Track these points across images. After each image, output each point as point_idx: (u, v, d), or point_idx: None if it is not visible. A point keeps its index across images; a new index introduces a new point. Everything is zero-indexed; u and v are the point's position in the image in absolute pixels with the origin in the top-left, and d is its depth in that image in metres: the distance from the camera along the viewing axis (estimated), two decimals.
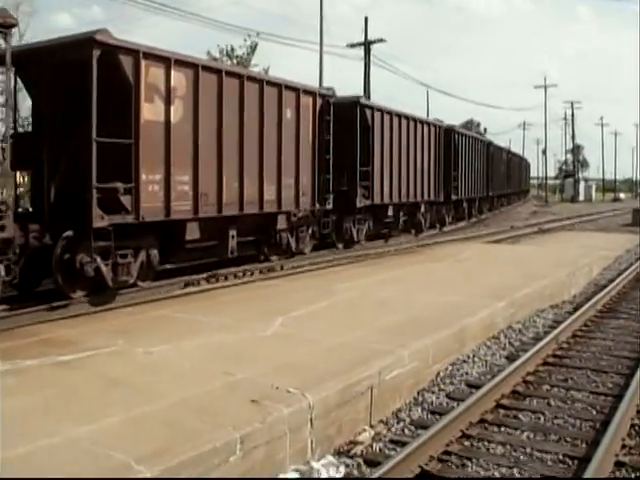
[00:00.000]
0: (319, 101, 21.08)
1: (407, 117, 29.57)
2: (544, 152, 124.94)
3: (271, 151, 18.57)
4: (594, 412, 9.22)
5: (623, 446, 7.94)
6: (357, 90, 47.09)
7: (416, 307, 13.18)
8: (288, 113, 19.33)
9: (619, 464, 7.48)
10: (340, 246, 24.92)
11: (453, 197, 38.24)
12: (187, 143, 15.29)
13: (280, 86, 18.92)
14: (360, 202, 25.04)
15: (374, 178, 26.06)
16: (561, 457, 7.74)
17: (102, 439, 6.35)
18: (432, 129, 32.80)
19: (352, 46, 51.26)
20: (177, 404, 7.40)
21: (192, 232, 15.95)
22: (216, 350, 9.82)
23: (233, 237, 17.66)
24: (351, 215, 25.15)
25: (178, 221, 15.39)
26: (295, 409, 7.43)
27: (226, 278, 17.51)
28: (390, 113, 27.79)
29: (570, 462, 7.62)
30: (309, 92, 20.72)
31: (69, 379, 8.34)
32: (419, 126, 30.85)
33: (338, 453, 7.86)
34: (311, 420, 7.61)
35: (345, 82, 53.55)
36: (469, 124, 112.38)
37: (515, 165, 70.96)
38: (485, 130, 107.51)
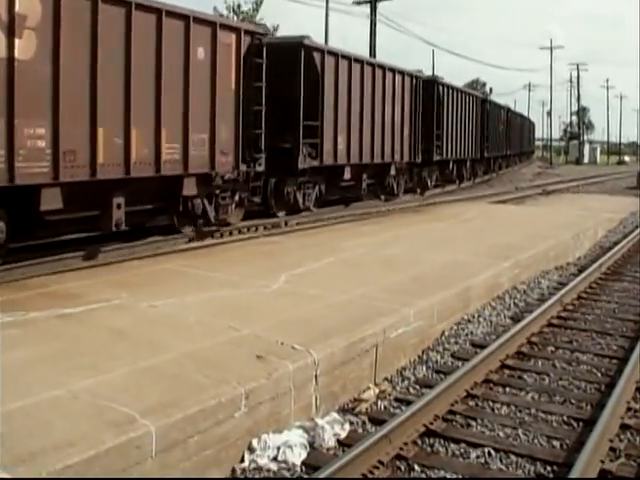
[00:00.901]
0: (246, 40, 17.22)
1: (372, 64, 26.24)
2: (549, 114, 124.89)
3: (174, 99, 14.91)
4: (599, 374, 9.20)
5: (628, 409, 7.91)
6: (363, 48, 46.88)
7: (421, 266, 13.14)
8: (200, 52, 15.59)
9: (624, 427, 7.45)
10: (281, 214, 21.71)
11: (436, 157, 33.88)
12: (42, 85, 12.00)
13: (188, 18, 15.11)
14: (304, 163, 21.66)
15: (324, 135, 22.36)
16: (566, 419, 7.73)
17: (106, 392, 6.32)
18: (407, 80, 29.12)
19: (358, 3, 50.77)
20: (182, 358, 7.37)
21: (50, 201, 12.42)
22: (221, 305, 9.79)
23: (119, 206, 13.98)
24: (293, 178, 21.91)
25: (28, 187, 12.09)
26: (300, 365, 7.40)
27: (230, 233, 17.49)
28: (349, 58, 23.85)
29: (575, 424, 7.60)
30: (230, 28, 17.11)
31: (73, 332, 8.30)
32: (389, 75, 27.20)
33: (343, 410, 7.83)
34: (316, 377, 7.58)
35: (352, 40, 53.06)
36: (475, 84, 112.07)
37: (517, 125, 66.41)
38: (491, 90, 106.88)
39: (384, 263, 13.33)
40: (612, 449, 6.92)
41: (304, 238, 16.87)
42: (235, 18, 50.27)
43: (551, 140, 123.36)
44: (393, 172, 28.71)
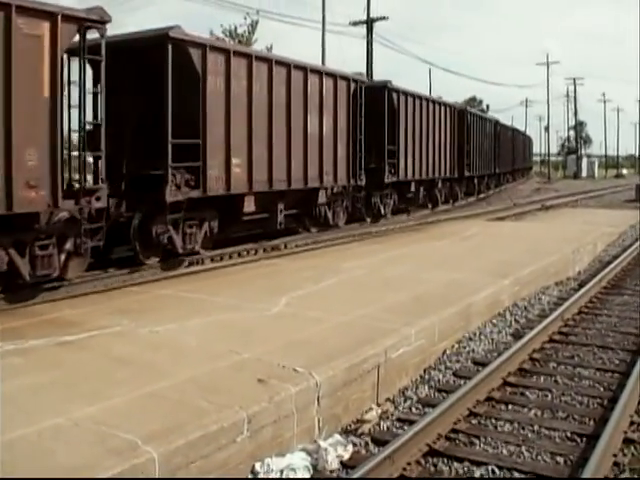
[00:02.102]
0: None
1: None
2: (546, 129, 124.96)
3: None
4: (601, 389, 9.21)
5: (631, 423, 7.91)
6: (359, 67, 47.00)
7: (421, 285, 13.14)
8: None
9: (627, 441, 7.45)
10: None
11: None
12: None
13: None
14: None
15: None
16: (569, 435, 7.73)
17: (108, 419, 6.32)
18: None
19: (355, 24, 50.98)
20: (184, 383, 7.37)
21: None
22: (222, 329, 9.79)
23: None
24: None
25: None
26: (302, 388, 7.40)
27: (230, 257, 17.48)
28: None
29: (579, 439, 7.60)
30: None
31: (75, 359, 8.31)
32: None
33: (345, 432, 7.84)
34: (318, 399, 7.59)
35: (348, 60, 53.33)
36: (472, 101, 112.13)
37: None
38: (487, 107, 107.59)
39: (384, 283, 13.33)
40: (616, 464, 6.92)
41: (304, 260, 16.88)
42: (231, 41, 50.32)
43: (549, 155, 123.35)
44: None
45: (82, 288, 13.10)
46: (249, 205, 18.03)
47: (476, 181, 43.99)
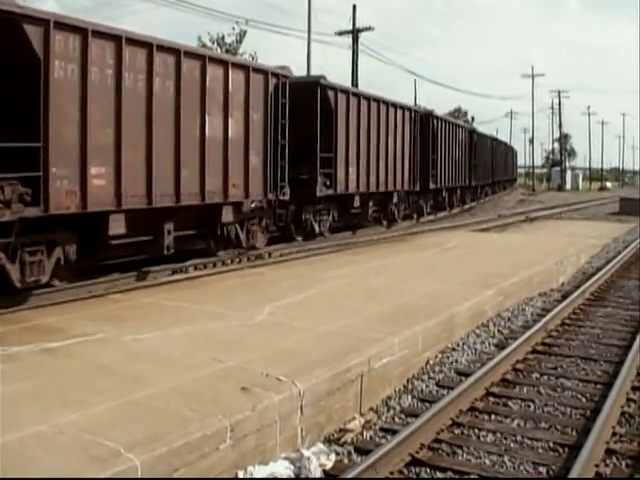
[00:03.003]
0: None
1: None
2: (531, 141, 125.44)
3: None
4: (584, 400, 9.23)
5: (614, 434, 7.93)
6: (345, 78, 47.10)
7: (405, 295, 13.16)
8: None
9: (610, 452, 7.48)
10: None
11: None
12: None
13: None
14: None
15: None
16: (552, 445, 7.74)
17: (91, 426, 6.30)
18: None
19: (340, 34, 51.22)
20: (167, 391, 7.35)
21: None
22: (205, 338, 9.77)
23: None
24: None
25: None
26: (285, 397, 7.40)
27: (214, 265, 17.49)
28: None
29: (561, 450, 7.62)
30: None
31: (58, 366, 8.28)
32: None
33: (328, 441, 7.83)
34: (301, 408, 7.58)
35: (333, 70, 53.46)
36: (457, 112, 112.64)
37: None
38: (472, 119, 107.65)
39: (368, 293, 13.34)
40: (598, 474, 6.94)
41: (288, 269, 16.88)
42: (219, 50, 50.38)
43: (533, 167, 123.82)
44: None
45: (65, 295, 13.07)
46: (117, 226, 14.17)
47: (445, 194, 40.44)
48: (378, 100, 28.11)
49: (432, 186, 36.05)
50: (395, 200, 30.88)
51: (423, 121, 34.19)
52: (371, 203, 28.30)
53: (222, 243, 18.65)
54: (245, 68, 18.08)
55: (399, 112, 30.31)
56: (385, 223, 30.72)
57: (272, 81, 19.04)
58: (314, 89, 23.36)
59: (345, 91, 25.56)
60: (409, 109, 32.11)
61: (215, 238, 18.26)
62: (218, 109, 16.96)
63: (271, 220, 21.02)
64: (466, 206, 46.80)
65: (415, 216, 35.48)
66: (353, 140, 25.70)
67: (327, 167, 23.97)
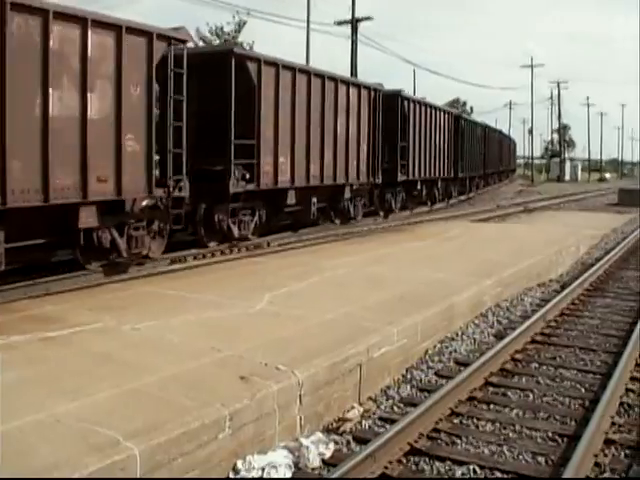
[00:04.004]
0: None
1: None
2: (530, 132, 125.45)
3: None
4: (583, 390, 9.23)
5: (612, 424, 7.93)
6: (344, 67, 47.01)
7: (405, 284, 13.14)
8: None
9: (608, 442, 7.47)
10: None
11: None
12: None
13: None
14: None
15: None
16: (550, 435, 7.75)
17: (90, 415, 6.29)
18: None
19: (339, 24, 50.96)
20: (165, 380, 7.34)
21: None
22: (204, 327, 9.75)
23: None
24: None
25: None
26: (284, 386, 7.39)
27: (213, 255, 17.47)
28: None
29: (560, 440, 7.62)
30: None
31: (57, 355, 8.26)
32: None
33: (327, 430, 7.82)
34: (300, 397, 7.57)
35: (332, 60, 53.45)
36: (455, 103, 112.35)
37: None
38: (472, 109, 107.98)
39: (367, 282, 13.33)
40: (597, 464, 6.94)
41: (287, 258, 16.86)
42: (218, 40, 50.38)
43: (532, 158, 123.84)
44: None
45: (63, 284, 13.06)
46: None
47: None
48: (322, 75, 23.24)
49: (401, 178, 31.44)
50: (347, 195, 25.87)
51: (389, 102, 29.33)
52: (315, 199, 23.40)
53: (89, 254, 14.48)
54: (115, 29, 13.90)
55: (353, 90, 25.41)
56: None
57: (159, 46, 15.14)
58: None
59: (273, 63, 20.41)
60: (368, 87, 26.84)
61: (79, 247, 14.03)
62: (72, 81, 13.07)
63: (166, 223, 16.18)
64: (452, 200, 43.34)
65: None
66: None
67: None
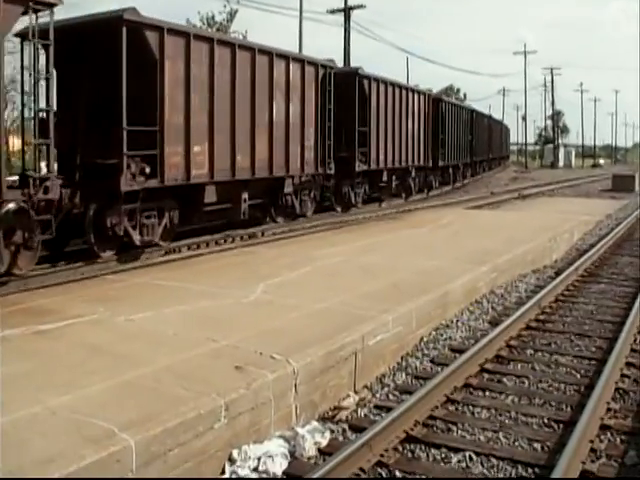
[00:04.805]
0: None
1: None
2: (524, 118, 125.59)
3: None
4: (578, 376, 9.24)
5: (608, 409, 7.94)
6: (337, 56, 46.92)
7: (399, 272, 13.14)
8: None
9: (604, 427, 7.48)
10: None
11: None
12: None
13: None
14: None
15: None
16: (546, 421, 7.75)
17: (84, 408, 6.28)
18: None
19: (332, 12, 50.96)
20: (160, 371, 7.33)
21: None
22: (199, 317, 9.74)
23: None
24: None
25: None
26: (279, 375, 7.38)
27: (207, 245, 17.44)
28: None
29: (555, 426, 7.62)
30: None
31: (51, 348, 8.24)
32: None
33: (323, 419, 7.83)
34: (295, 386, 7.57)
35: (325, 49, 53.32)
36: (449, 90, 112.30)
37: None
38: (465, 96, 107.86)
39: (361, 271, 13.32)
40: (593, 450, 6.94)
41: (281, 248, 16.85)
42: (209, 29, 50.19)
43: (526, 144, 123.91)
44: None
45: (57, 277, 13.03)
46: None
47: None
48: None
49: (361, 167, 30.07)
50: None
51: (345, 82, 28.45)
52: (245, 195, 21.40)
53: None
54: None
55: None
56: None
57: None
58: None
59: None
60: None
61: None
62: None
63: (31, 232, 13.10)
64: (433, 191, 42.61)
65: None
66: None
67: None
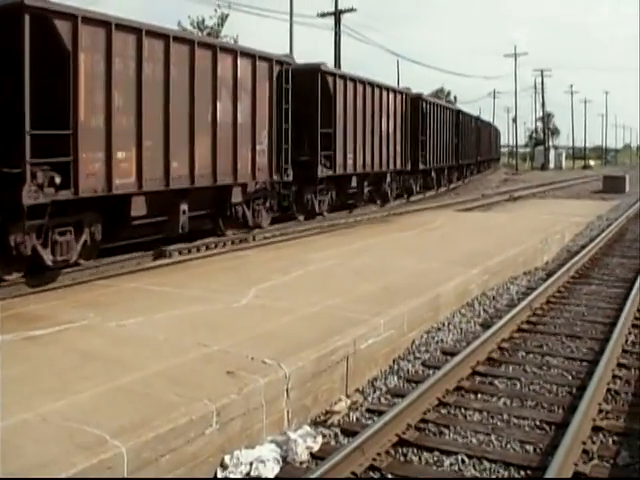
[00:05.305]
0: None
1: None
2: (514, 120, 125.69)
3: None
4: (570, 377, 9.26)
5: (600, 411, 7.95)
6: (328, 60, 46.92)
7: (390, 276, 13.14)
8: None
9: (596, 429, 7.49)
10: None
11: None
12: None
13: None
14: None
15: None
16: (538, 423, 7.76)
17: (76, 414, 6.26)
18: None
19: (322, 16, 50.86)
20: (152, 377, 7.32)
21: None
22: (190, 322, 9.72)
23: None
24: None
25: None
26: (271, 380, 7.37)
27: (198, 250, 17.41)
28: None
29: (548, 428, 7.63)
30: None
31: (42, 354, 8.22)
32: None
33: (315, 423, 7.82)
34: (287, 390, 7.56)
35: (316, 53, 53.39)
36: (439, 93, 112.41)
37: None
38: (455, 99, 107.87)
39: (353, 274, 13.32)
40: (585, 451, 6.95)
41: (272, 252, 16.83)
42: (200, 34, 50.15)
43: (517, 146, 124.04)
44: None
45: (48, 283, 12.99)
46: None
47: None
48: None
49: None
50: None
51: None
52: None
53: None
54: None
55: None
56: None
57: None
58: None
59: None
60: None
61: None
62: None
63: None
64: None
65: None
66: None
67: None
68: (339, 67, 43.23)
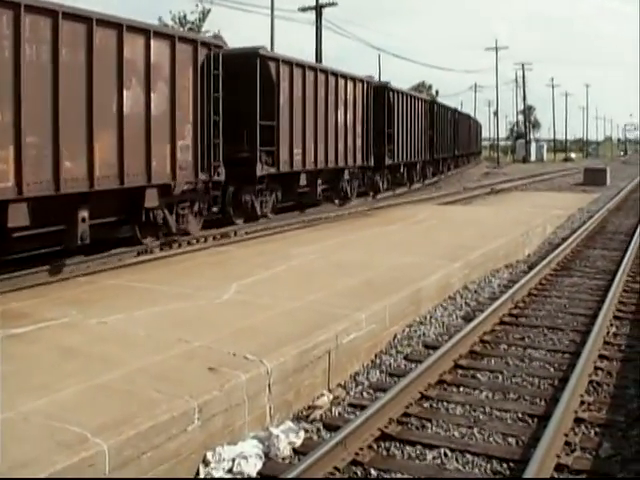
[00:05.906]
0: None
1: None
2: (495, 114, 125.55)
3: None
4: (552, 370, 9.29)
5: (582, 402, 7.97)
6: (309, 55, 46.80)
7: (372, 270, 13.14)
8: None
9: (578, 420, 7.52)
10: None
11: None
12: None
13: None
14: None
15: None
16: (520, 415, 7.78)
17: (57, 412, 6.23)
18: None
19: (303, 10, 50.77)
20: (133, 374, 7.29)
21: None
22: (171, 318, 9.69)
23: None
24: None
25: None
26: (253, 375, 7.36)
27: (180, 245, 17.37)
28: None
29: (530, 420, 7.65)
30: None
31: (23, 352, 8.17)
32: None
33: (297, 418, 7.81)
34: (269, 386, 7.55)
35: (298, 47, 53.32)
36: (421, 87, 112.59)
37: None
38: (437, 92, 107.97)
39: (335, 269, 13.31)
40: (567, 443, 6.97)
41: (254, 247, 16.79)
42: (181, 29, 50.00)
43: (498, 140, 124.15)
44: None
45: (28, 280, 12.94)
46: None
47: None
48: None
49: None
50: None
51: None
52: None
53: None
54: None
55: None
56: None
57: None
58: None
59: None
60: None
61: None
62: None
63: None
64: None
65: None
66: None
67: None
68: (320, 62, 43.13)
